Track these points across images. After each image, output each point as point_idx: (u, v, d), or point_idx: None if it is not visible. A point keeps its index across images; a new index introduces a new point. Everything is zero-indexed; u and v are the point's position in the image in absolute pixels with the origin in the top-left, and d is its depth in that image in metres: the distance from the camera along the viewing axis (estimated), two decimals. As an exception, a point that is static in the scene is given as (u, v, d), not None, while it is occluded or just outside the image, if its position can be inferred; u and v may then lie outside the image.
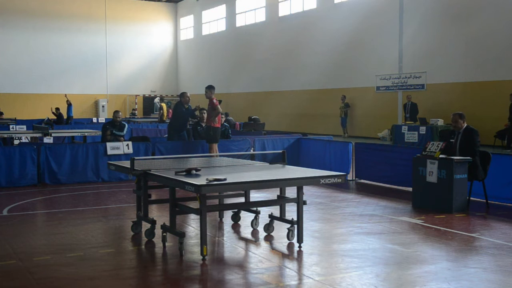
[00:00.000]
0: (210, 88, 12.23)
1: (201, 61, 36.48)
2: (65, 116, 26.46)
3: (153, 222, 6.60)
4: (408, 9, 21.53)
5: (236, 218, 7.61)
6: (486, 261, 5.80)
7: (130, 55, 37.32)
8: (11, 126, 19.41)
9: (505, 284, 5.09)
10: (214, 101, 12.05)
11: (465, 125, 8.89)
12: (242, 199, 7.50)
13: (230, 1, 32.85)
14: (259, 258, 5.96)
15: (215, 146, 12.06)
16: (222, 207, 7.46)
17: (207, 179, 5.46)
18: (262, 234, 6.97)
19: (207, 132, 12.22)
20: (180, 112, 13.16)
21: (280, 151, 7.42)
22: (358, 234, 7.00)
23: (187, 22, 38.35)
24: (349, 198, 9.82)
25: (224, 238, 6.92)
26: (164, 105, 27.43)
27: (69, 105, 28.88)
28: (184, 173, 6.00)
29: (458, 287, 4.94)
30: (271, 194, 8.63)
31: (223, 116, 16.29)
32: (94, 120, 28.89)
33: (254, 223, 7.26)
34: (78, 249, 6.27)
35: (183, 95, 13.34)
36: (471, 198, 8.68)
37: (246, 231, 7.17)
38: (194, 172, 6.04)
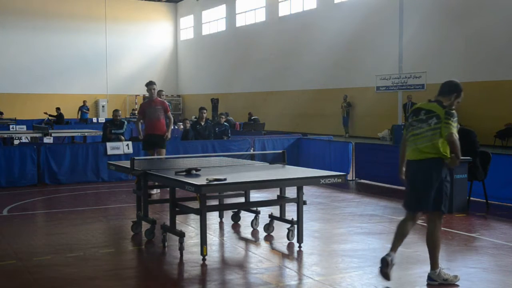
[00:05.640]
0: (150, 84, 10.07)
1: (201, 61, 36.45)
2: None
3: (153, 222, 6.60)
4: (408, 9, 21.52)
5: (236, 218, 7.61)
6: (486, 261, 5.80)
7: (130, 55, 37.27)
8: (11, 126, 19.43)
9: (505, 284, 5.09)
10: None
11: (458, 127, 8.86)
12: (242, 199, 7.50)
13: (230, 1, 32.84)
14: (259, 258, 5.96)
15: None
16: (222, 207, 7.45)
17: (207, 179, 5.45)
18: (262, 234, 6.96)
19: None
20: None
21: (280, 151, 7.41)
22: (358, 234, 7.00)
23: (187, 22, 38.33)
24: (349, 198, 9.82)
25: (224, 238, 6.92)
26: None
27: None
28: (184, 173, 6.00)
29: (458, 287, 4.93)
30: (271, 194, 8.62)
31: (223, 116, 16.25)
32: (94, 120, 28.91)
33: (254, 223, 7.26)
34: (78, 249, 6.27)
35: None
36: (471, 198, 8.68)
37: (246, 231, 7.17)
38: (194, 172, 6.03)
